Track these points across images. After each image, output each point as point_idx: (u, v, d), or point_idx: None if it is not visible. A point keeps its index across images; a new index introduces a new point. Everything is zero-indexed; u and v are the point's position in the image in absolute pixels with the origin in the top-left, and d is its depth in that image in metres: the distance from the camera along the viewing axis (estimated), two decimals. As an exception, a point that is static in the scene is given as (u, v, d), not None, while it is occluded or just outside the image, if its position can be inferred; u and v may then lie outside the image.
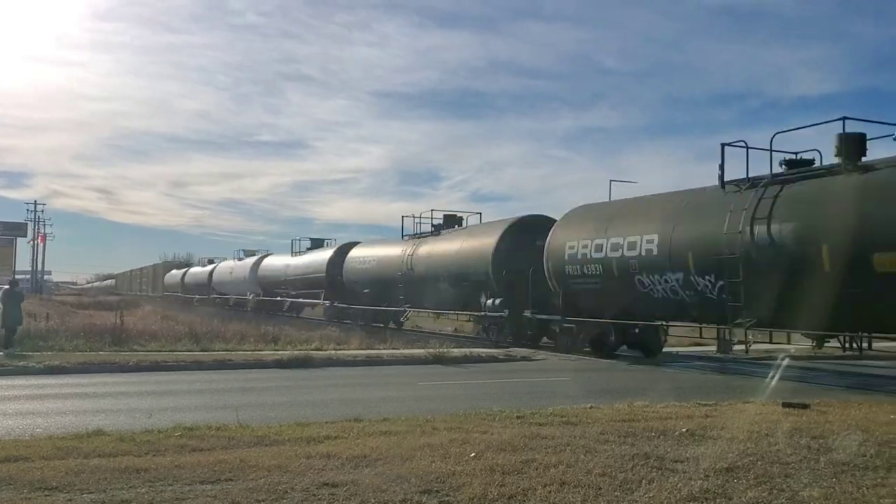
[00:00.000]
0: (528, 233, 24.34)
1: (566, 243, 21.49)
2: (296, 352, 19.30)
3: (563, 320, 21.75)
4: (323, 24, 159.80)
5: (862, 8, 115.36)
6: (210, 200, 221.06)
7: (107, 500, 5.54)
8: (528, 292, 22.93)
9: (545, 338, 24.12)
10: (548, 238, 22.43)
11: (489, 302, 24.90)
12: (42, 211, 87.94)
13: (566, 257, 21.28)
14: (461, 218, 31.41)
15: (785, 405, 10.20)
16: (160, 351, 19.64)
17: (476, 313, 26.41)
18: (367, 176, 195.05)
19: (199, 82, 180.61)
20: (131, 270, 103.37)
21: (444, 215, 31.55)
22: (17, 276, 41.57)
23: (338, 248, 39.33)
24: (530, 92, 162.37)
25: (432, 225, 31.39)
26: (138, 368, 16.51)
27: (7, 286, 21.80)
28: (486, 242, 25.65)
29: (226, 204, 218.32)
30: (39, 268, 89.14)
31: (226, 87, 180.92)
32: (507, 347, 22.76)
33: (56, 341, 20.31)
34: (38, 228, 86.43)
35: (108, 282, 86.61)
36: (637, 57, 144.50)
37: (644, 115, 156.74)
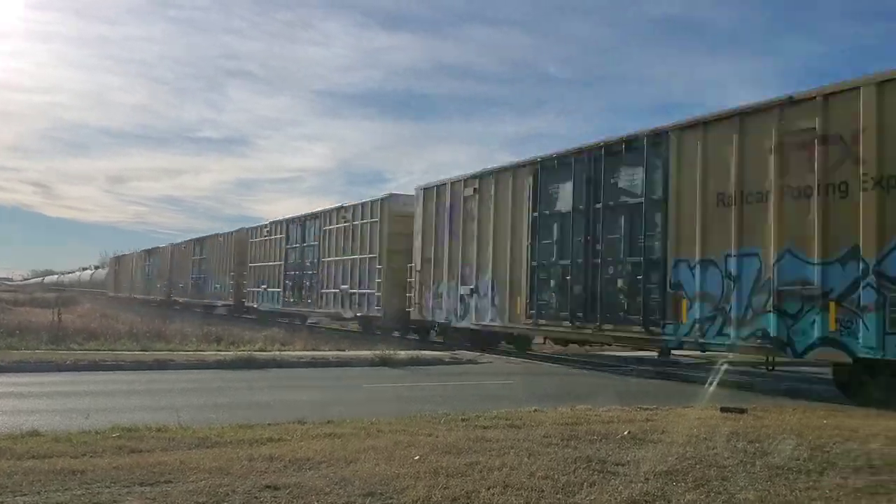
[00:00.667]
0: None
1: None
2: (239, 352, 19.07)
3: None
4: (264, 21, 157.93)
5: (791, 25, 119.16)
6: (151, 197, 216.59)
7: (41, 502, 5.40)
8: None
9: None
10: None
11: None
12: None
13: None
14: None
15: (723, 410, 10.43)
16: (99, 350, 19.19)
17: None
18: (313, 175, 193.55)
19: (138, 75, 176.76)
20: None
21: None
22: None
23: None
24: (475, 96, 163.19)
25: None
26: (76, 368, 16.10)
27: None
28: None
29: (167, 201, 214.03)
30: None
31: (165, 82, 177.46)
32: (453, 351, 22.82)
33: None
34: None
35: (99, 272, 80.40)
36: (579, 65, 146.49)
37: (586, 124, 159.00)
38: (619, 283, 17.44)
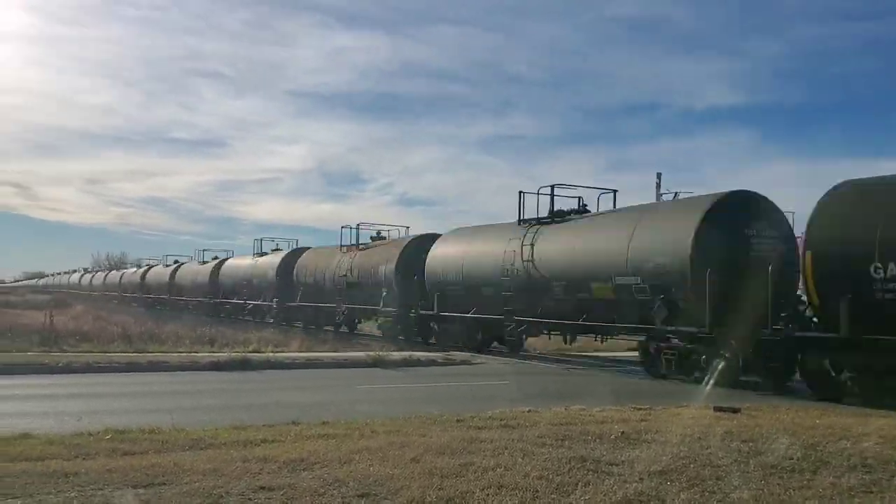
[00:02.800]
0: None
1: (440, 257, 25.95)
2: (233, 354, 19.01)
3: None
4: (223, 21, 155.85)
5: (756, 25, 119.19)
6: (132, 198, 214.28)
7: (33, 505, 5.37)
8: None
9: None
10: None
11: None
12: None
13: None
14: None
15: (717, 409, 10.46)
16: (92, 352, 19.10)
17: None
18: (291, 176, 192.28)
19: (103, 77, 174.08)
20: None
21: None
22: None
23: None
24: (445, 97, 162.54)
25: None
26: (69, 370, 16.03)
27: None
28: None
29: (149, 202, 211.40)
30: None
31: (132, 83, 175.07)
32: (445, 351, 22.79)
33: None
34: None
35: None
36: (545, 66, 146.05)
37: (557, 125, 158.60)
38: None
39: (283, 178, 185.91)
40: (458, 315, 24.31)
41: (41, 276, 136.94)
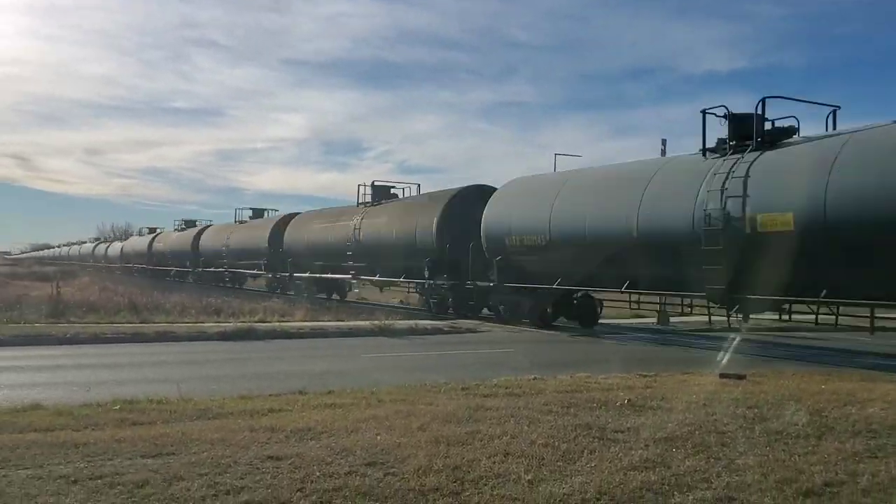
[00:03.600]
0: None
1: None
2: (239, 324, 19.12)
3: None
4: None
5: None
6: (134, 169, 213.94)
7: (44, 475, 5.41)
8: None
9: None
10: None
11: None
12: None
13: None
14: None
15: (722, 376, 10.48)
16: (99, 323, 19.24)
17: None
18: (291, 145, 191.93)
19: (101, 46, 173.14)
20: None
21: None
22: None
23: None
24: (445, 63, 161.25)
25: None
26: (76, 341, 16.14)
27: None
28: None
29: (151, 172, 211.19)
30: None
31: (129, 52, 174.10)
32: (453, 319, 22.83)
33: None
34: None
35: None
36: (545, 31, 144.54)
37: (559, 90, 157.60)
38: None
39: (283, 147, 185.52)
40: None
41: (48, 247, 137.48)
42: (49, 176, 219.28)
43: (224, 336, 17.46)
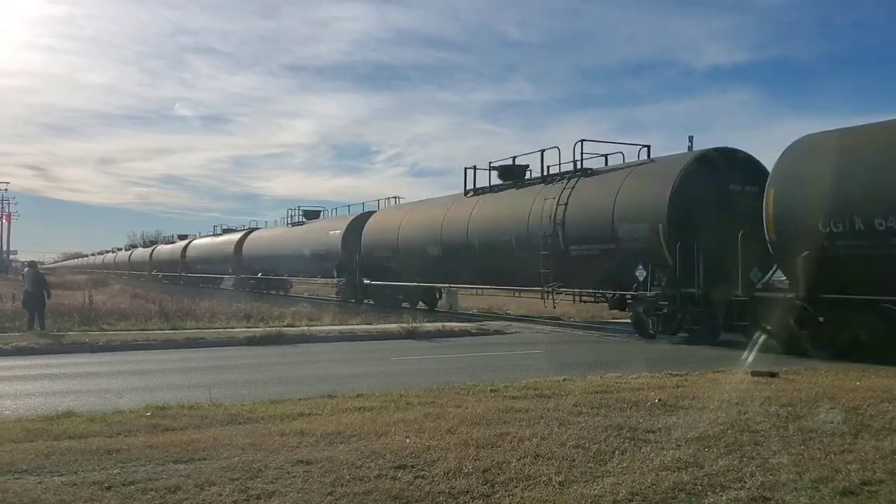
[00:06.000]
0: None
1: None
2: (268, 328, 19.25)
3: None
4: None
5: None
6: (150, 177, 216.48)
7: (78, 482, 5.47)
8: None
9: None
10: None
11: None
12: (6, 190, 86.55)
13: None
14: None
15: (754, 374, 10.35)
16: (130, 330, 19.46)
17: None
18: (301, 150, 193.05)
19: (98, 55, 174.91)
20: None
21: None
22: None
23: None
24: (442, 64, 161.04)
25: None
26: (108, 348, 16.34)
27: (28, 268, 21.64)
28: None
29: (168, 181, 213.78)
30: (5, 248, 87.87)
31: (130, 61, 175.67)
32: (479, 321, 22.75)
33: (24, 322, 20.02)
34: (3, 208, 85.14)
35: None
36: (539, 27, 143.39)
37: (560, 88, 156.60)
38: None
39: (294, 152, 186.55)
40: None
41: (80, 255, 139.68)
42: (68, 186, 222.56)
43: (253, 341, 17.58)
